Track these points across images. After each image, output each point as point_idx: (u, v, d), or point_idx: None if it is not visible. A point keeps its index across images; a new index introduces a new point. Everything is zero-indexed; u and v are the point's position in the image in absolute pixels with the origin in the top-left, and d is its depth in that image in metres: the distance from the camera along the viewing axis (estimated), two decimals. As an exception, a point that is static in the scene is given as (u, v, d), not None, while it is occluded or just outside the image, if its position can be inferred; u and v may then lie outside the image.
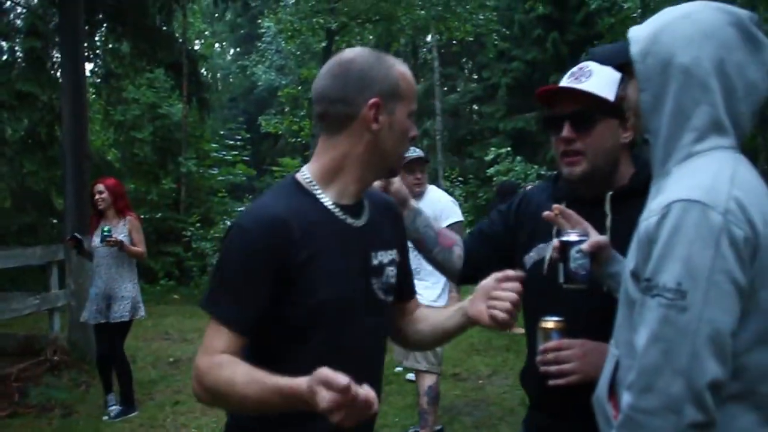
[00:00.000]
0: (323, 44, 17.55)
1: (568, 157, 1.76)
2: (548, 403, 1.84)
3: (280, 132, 23.36)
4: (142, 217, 6.20)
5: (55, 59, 14.74)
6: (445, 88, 29.41)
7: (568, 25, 24.49)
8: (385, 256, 1.69)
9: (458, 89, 30.26)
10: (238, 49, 37.82)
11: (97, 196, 5.49)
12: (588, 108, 1.72)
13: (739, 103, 1.32)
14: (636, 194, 1.59)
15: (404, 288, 1.81)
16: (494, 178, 22.01)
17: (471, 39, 20.12)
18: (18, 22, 13.44)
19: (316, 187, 1.60)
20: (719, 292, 1.19)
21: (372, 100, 1.56)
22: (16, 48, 13.96)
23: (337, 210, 1.60)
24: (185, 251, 12.11)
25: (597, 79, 1.74)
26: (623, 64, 1.46)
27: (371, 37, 20.62)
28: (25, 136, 13.42)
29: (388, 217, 1.76)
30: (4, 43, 13.94)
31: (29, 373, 6.17)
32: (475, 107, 30.44)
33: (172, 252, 11.64)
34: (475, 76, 31.04)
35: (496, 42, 19.75)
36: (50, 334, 6.71)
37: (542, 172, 20.98)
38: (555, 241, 1.63)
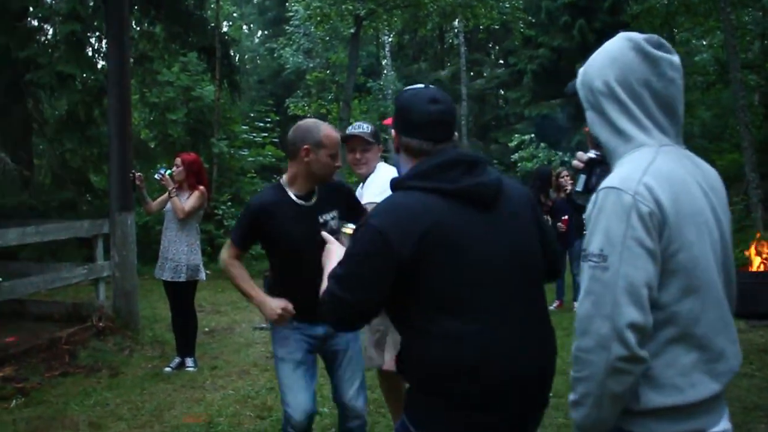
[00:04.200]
0: (351, 30, 17.84)
1: None
2: None
3: (308, 115, 23.70)
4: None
5: (94, 42, 15.24)
6: (472, 74, 29.53)
7: (595, 12, 24.46)
8: (328, 216, 3.22)
9: (484, 75, 30.38)
10: (266, 32, 38.11)
11: (173, 169, 6.00)
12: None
13: (651, 108, 1.69)
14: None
15: (354, 216, 3.25)
16: (518, 164, 22.26)
17: (497, 26, 20.24)
18: (60, 5, 13.85)
19: (287, 187, 3.22)
20: (631, 253, 1.55)
21: (305, 147, 3.09)
22: (57, 31, 14.39)
23: (296, 198, 3.20)
24: (217, 229, 12.53)
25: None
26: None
27: (398, 22, 20.81)
28: (65, 116, 13.90)
29: (333, 193, 3.28)
30: (47, 26, 14.35)
31: (77, 337, 6.62)
32: (501, 93, 30.56)
33: (204, 229, 11.99)
34: (502, 62, 31.11)
35: (522, 29, 19.84)
36: (96, 302, 7.18)
37: (566, 159, 21.17)
38: (584, 156, 1.97)
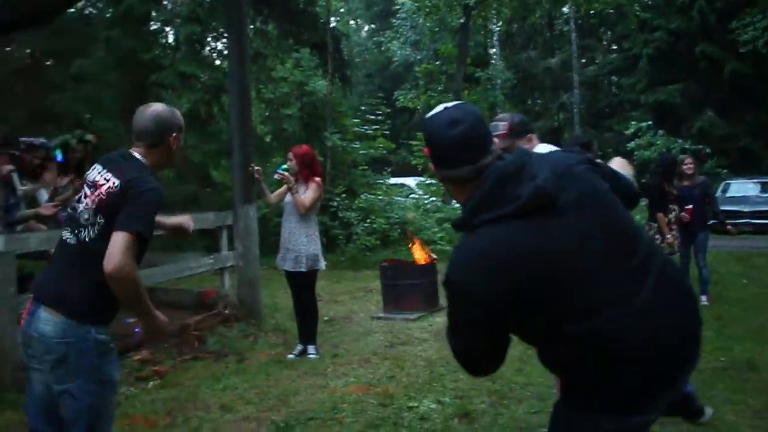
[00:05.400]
0: (460, 20, 17.73)
1: None
2: None
3: (417, 106, 23.77)
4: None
5: (211, 42, 15.86)
6: (583, 60, 28.72)
7: (716, -9, 23.25)
8: None
9: (596, 61, 29.47)
10: (372, 26, 38.53)
11: (288, 163, 6.19)
12: None
13: None
14: None
15: None
16: (635, 153, 21.48)
17: (610, 10, 19.59)
18: (180, 8, 14.49)
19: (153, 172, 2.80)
20: None
21: (173, 134, 2.86)
22: (178, 33, 15.05)
23: None
24: (332, 220, 12.78)
25: None
26: None
27: (506, 10, 20.49)
28: (186, 113, 14.53)
29: None
30: (168, 29, 15.03)
31: (205, 324, 6.92)
32: (614, 79, 29.56)
33: (319, 221, 12.25)
34: (615, 47, 30.08)
35: (637, 12, 19.11)
36: (221, 291, 7.48)
37: (686, 146, 20.27)
38: None
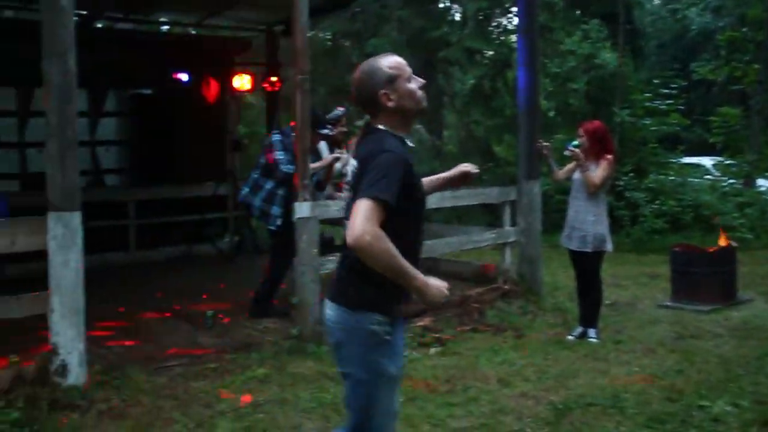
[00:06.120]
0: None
1: None
2: None
3: (717, 79, 21.72)
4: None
5: (497, 18, 15.94)
6: None
7: None
8: None
9: None
10: (669, -7, 35.96)
11: (578, 140, 6.07)
12: None
13: None
14: None
15: None
16: None
17: None
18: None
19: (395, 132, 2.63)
20: None
21: (381, 93, 2.56)
22: (465, 10, 15.35)
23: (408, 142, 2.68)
24: (617, 200, 12.19)
25: None
26: None
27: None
28: (471, 89, 14.83)
29: None
30: (456, 6, 15.41)
31: (485, 297, 7.03)
32: None
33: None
34: None
35: None
36: (502, 266, 7.53)
37: None
38: None
